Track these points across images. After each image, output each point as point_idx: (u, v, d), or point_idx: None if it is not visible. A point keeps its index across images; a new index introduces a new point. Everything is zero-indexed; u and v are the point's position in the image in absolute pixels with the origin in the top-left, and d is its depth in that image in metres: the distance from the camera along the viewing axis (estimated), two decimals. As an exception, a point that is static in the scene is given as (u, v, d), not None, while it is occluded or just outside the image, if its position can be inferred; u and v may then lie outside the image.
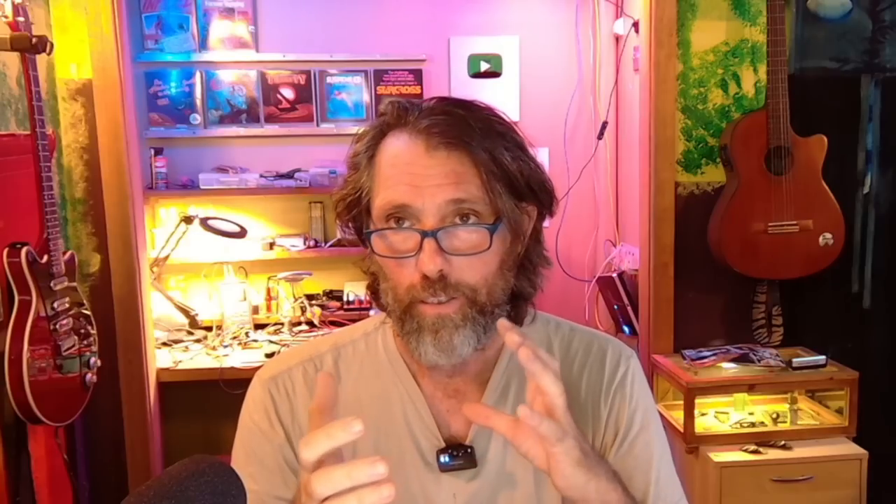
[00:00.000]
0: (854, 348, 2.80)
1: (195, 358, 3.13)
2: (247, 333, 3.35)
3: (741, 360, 2.67)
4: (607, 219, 3.75)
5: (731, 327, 2.86)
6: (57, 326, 2.12)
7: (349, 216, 0.95)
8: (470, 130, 0.87)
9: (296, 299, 3.46)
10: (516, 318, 0.95)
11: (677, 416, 2.61)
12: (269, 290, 3.53)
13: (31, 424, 2.10)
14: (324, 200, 3.57)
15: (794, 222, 2.63)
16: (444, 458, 0.96)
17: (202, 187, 3.44)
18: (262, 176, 3.49)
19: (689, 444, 2.52)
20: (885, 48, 2.77)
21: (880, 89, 2.80)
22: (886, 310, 2.85)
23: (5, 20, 2.00)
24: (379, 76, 3.62)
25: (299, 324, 3.42)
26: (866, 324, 2.86)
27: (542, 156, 3.69)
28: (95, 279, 2.68)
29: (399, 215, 0.88)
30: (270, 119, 3.59)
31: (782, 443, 2.51)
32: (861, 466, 2.46)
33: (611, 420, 1.01)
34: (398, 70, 3.62)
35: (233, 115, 3.57)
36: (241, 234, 3.34)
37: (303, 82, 3.58)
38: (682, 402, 2.56)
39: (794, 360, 2.62)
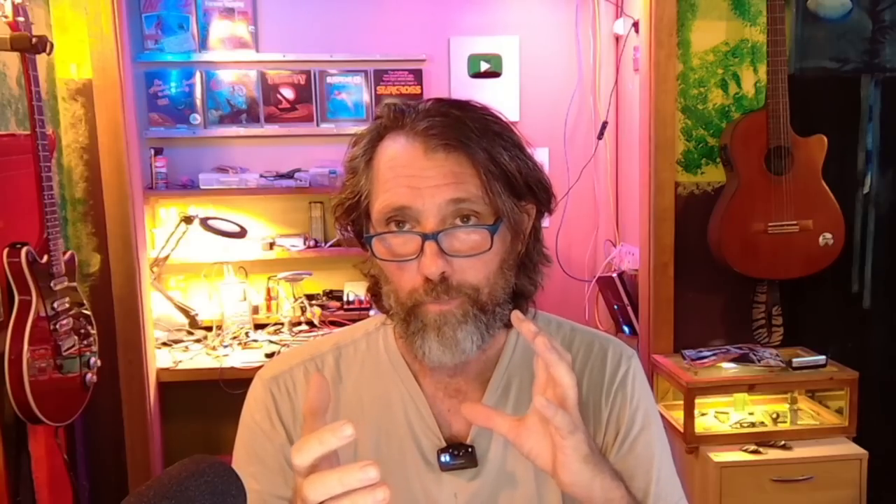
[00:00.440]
0: (854, 348, 2.80)
1: (195, 358, 3.12)
2: (247, 333, 3.35)
3: (741, 360, 2.67)
4: (607, 219, 3.75)
5: (731, 327, 2.86)
6: (57, 326, 2.12)
7: (348, 220, 0.95)
8: (467, 131, 0.87)
9: (296, 299, 3.46)
10: None
11: (677, 416, 2.61)
12: (269, 290, 3.53)
13: (31, 424, 2.10)
14: (324, 200, 3.58)
15: (794, 222, 2.63)
16: (445, 458, 0.96)
17: (202, 187, 3.44)
18: (262, 176, 3.49)
19: (689, 444, 2.52)
20: (885, 48, 2.77)
21: (880, 89, 2.80)
22: (886, 310, 2.86)
23: (5, 20, 2.00)
24: (379, 76, 3.62)
25: (299, 324, 3.42)
26: (866, 324, 2.86)
27: (542, 156, 3.69)
28: (95, 279, 2.68)
29: (399, 218, 0.88)
30: (270, 119, 3.59)
31: (782, 443, 2.52)
32: (861, 466, 2.46)
33: (612, 420, 1.01)
34: (398, 70, 3.62)
35: (233, 115, 3.57)
36: (241, 234, 3.34)
37: (303, 82, 3.58)
38: (682, 402, 2.56)
39: (794, 360, 2.62)
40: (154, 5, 3.47)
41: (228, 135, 3.58)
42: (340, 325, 3.23)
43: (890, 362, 2.87)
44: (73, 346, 2.20)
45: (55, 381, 2.13)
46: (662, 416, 2.68)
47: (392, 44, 3.62)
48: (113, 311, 2.68)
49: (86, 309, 2.32)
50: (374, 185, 0.90)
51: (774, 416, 2.62)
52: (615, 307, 3.34)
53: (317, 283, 3.58)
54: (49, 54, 2.22)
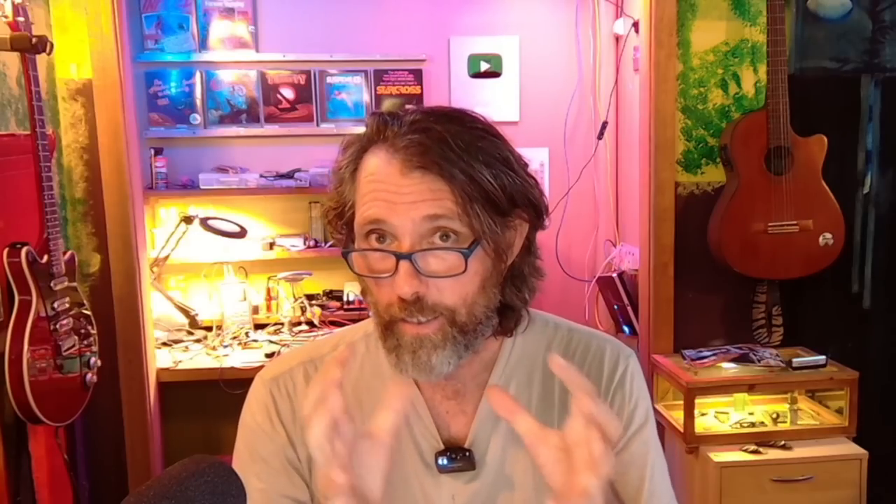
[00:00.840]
0: (854, 348, 2.80)
1: (195, 358, 3.12)
2: (247, 333, 3.35)
3: (741, 360, 2.67)
4: (607, 219, 3.75)
5: (731, 327, 2.86)
6: (57, 326, 2.12)
7: (335, 227, 0.96)
8: (447, 150, 0.85)
9: (296, 299, 3.46)
10: (504, 330, 0.95)
11: (677, 416, 2.61)
12: (269, 290, 3.53)
13: (31, 424, 2.10)
14: (323, 200, 3.56)
15: (794, 222, 2.63)
16: (443, 461, 0.96)
17: (202, 187, 3.44)
18: (262, 176, 3.49)
19: (689, 444, 2.52)
20: (885, 48, 2.77)
21: (880, 89, 2.80)
22: (886, 310, 2.85)
23: (5, 20, 2.00)
24: (379, 76, 3.62)
25: (299, 324, 3.42)
26: (866, 324, 2.86)
27: (542, 156, 3.70)
28: (95, 279, 2.68)
29: (379, 231, 0.87)
30: (270, 119, 3.59)
31: (782, 443, 2.51)
32: (861, 466, 2.46)
33: (611, 419, 1.01)
34: (398, 70, 3.62)
35: (233, 115, 3.57)
36: (241, 234, 3.34)
37: (303, 82, 3.58)
38: (681, 402, 2.56)
39: (794, 360, 2.62)
40: (154, 5, 3.47)
41: (228, 135, 3.58)
42: (340, 325, 3.23)
43: (890, 362, 2.87)
44: (74, 346, 2.20)
45: (55, 381, 2.13)
46: (662, 417, 2.69)
47: (392, 44, 3.62)
48: (113, 311, 2.68)
49: (86, 309, 2.32)
50: (356, 196, 0.90)
51: (774, 416, 2.62)
52: (615, 307, 3.34)
53: (317, 283, 3.58)
54: (49, 54, 2.22)
